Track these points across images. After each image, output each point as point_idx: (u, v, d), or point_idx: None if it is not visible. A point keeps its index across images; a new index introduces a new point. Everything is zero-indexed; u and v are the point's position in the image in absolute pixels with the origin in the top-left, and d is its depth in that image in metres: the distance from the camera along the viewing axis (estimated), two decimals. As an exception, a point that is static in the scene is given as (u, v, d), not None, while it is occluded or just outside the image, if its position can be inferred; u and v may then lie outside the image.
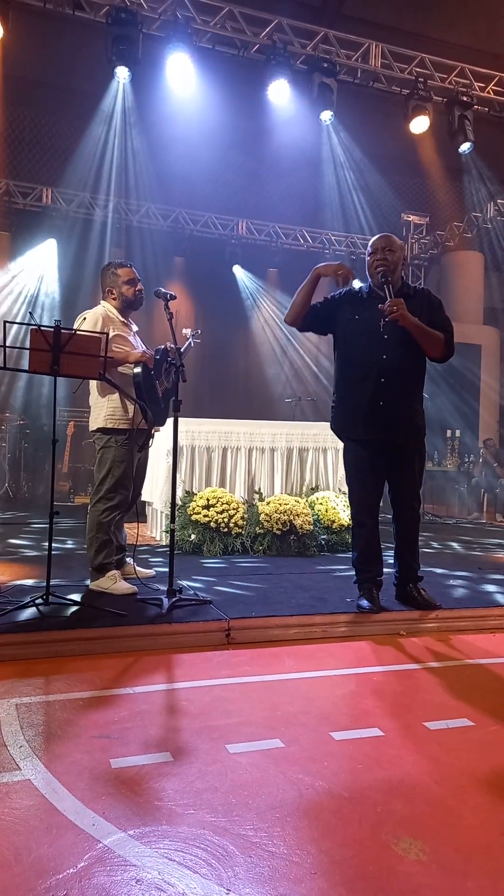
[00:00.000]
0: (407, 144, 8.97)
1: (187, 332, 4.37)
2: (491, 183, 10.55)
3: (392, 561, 3.74)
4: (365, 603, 3.48)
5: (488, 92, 8.16)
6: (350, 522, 5.54)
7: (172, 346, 3.82)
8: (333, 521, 5.55)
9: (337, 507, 5.66)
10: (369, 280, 3.62)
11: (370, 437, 3.51)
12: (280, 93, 7.21)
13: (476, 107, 8.05)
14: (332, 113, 7.54)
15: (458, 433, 10.69)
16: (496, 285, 12.73)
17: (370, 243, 3.63)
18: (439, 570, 4.76)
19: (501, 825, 1.69)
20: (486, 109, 8.26)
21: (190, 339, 4.27)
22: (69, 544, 5.56)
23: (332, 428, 3.70)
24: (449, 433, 10.64)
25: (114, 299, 3.93)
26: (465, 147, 8.01)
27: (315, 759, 2.01)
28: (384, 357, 3.46)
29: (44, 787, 1.81)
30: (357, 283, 3.78)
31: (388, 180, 10.98)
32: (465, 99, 7.88)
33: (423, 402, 3.65)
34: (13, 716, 2.26)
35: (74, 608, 3.30)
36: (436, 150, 9.52)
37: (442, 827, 1.68)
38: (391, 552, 3.72)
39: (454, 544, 6.48)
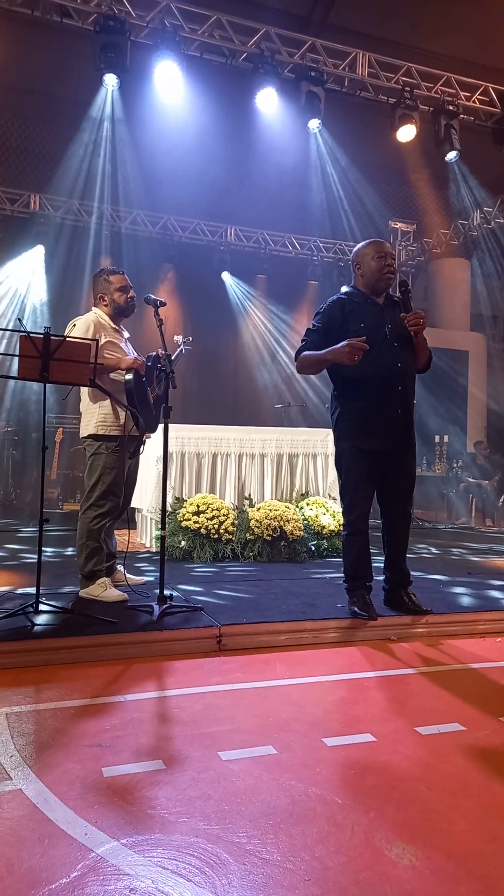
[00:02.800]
0: (394, 153, 9.03)
1: (179, 338, 4.38)
2: (477, 191, 10.65)
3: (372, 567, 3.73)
4: (360, 610, 3.48)
5: (474, 101, 8.25)
6: (340, 528, 5.58)
7: (163, 352, 3.82)
8: (324, 527, 5.56)
9: (327, 512, 5.67)
10: (366, 281, 3.55)
11: (388, 447, 3.47)
12: (268, 101, 7.25)
13: (462, 116, 8.13)
14: (319, 121, 7.59)
15: (446, 439, 10.75)
16: (483, 292, 12.83)
17: (373, 247, 3.55)
18: (428, 575, 4.77)
19: (493, 830, 1.70)
20: (472, 119, 8.34)
21: (182, 347, 4.28)
22: (59, 552, 5.53)
23: (341, 437, 3.55)
24: (437, 438, 10.70)
25: (105, 306, 3.93)
26: (451, 155, 8.08)
27: (307, 766, 2.01)
28: (399, 365, 3.47)
29: (35, 797, 1.80)
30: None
31: (375, 188, 11.06)
32: (451, 108, 7.96)
33: None
34: (3, 725, 2.25)
35: (64, 616, 3.28)
36: (422, 158, 9.61)
37: (434, 832, 1.68)
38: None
39: (443, 549, 6.51)
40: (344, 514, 3.62)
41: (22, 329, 3.17)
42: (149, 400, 3.89)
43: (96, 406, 3.80)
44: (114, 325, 3.94)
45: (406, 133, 7.83)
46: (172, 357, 3.88)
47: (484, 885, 1.48)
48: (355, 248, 3.68)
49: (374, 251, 3.53)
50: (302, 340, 3.57)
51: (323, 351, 3.39)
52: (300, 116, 7.50)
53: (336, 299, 3.58)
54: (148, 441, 5.74)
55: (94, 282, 4.00)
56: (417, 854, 1.58)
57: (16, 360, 3.22)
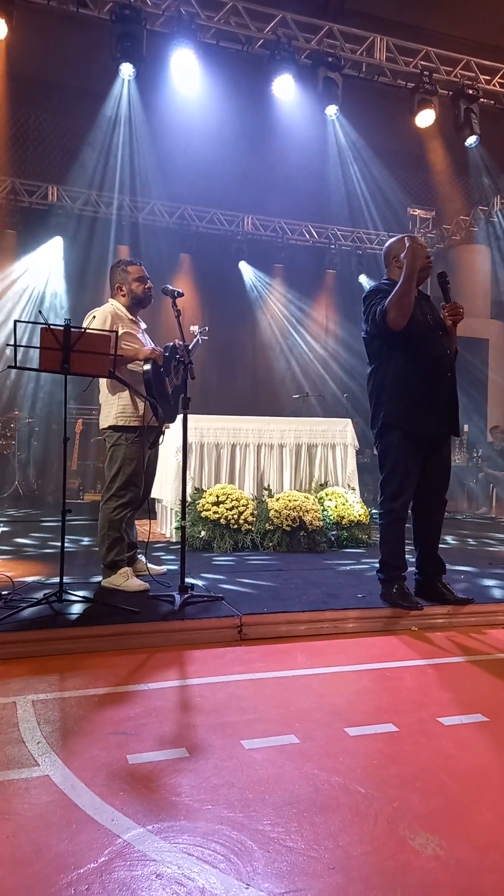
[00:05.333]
0: (412, 138, 8.93)
1: (195, 329, 4.38)
2: (497, 176, 10.49)
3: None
4: (402, 600, 3.48)
5: (494, 85, 8.12)
6: (359, 518, 5.58)
7: (181, 342, 3.82)
8: (343, 517, 5.55)
9: (346, 502, 5.66)
10: (410, 271, 3.45)
11: (441, 430, 3.54)
12: (285, 88, 7.19)
13: (482, 100, 8.00)
14: (337, 107, 7.51)
15: (466, 428, 10.66)
16: (503, 279, 12.66)
17: (414, 239, 3.59)
18: (449, 566, 4.75)
19: (517, 820, 1.70)
20: (493, 102, 8.22)
21: (198, 336, 4.28)
22: (80, 542, 5.59)
23: (390, 423, 3.51)
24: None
25: (123, 296, 3.94)
26: (471, 140, 7.96)
27: (330, 755, 2.02)
28: (447, 351, 3.56)
29: (62, 783, 1.83)
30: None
31: (393, 174, 10.93)
32: (470, 92, 7.83)
33: None
34: (30, 712, 2.28)
35: (87, 605, 3.32)
36: (442, 143, 9.48)
37: (458, 823, 1.69)
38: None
39: (464, 539, 6.47)
40: (386, 501, 3.58)
41: (43, 321, 3.19)
42: (167, 390, 3.90)
43: (115, 397, 3.82)
44: (131, 317, 3.95)
45: (425, 118, 7.73)
46: (190, 347, 3.88)
47: (509, 875, 1.48)
48: (388, 243, 3.71)
49: (416, 244, 3.57)
50: (374, 311, 3.47)
51: (402, 276, 3.40)
52: (317, 103, 7.43)
53: (380, 286, 3.61)
54: (167, 431, 5.76)
55: (112, 273, 4.01)
56: (441, 844, 1.59)
57: (28, 351, 3.24)
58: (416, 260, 3.43)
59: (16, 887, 1.40)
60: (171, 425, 4.33)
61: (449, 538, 6.45)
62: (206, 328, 4.47)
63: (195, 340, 4.23)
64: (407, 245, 3.50)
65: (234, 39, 7.18)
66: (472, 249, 12.37)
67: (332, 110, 7.59)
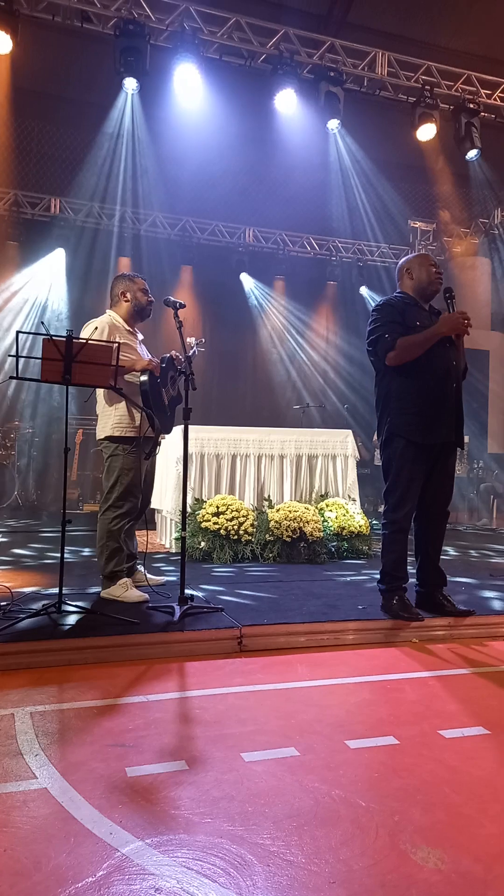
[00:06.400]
0: (414, 151, 8.99)
1: (191, 340, 4.39)
2: (498, 189, 10.55)
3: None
4: (402, 611, 3.47)
5: (495, 99, 8.19)
6: (360, 530, 5.57)
7: (178, 354, 3.84)
8: (343, 529, 5.54)
9: (347, 513, 5.65)
10: (417, 286, 3.64)
11: (447, 439, 3.54)
12: (287, 102, 7.26)
13: (483, 114, 8.07)
14: (338, 121, 7.59)
15: (466, 440, 10.66)
16: (504, 291, 12.69)
17: (425, 257, 3.72)
18: (449, 577, 4.73)
19: (520, 834, 1.68)
20: (493, 116, 8.29)
21: (194, 348, 4.29)
22: (79, 552, 5.57)
23: (396, 433, 3.53)
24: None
25: (126, 302, 3.97)
26: (472, 154, 8.03)
27: (331, 768, 2.00)
28: (454, 363, 3.57)
29: (60, 796, 1.81)
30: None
31: (395, 187, 11.00)
32: (471, 106, 7.91)
33: None
34: (28, 724, 2.27)
35: (87, 616, 3.30)
36: (443, 156, 9.54)
37: (461, 836, 1.67)
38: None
39: (464, 551, 6.45)
40: (389, 511, 3.57)
41: (44, 332, 3.20)
42: (163, 401, 3.90)
43: (112, 408, 3.83)
44: (128, 328, 3.98)
45: (426, 132, 7.80)
46: (189, 358, 3.89)
47: (511, 891, 1.46)
48: (403, 259, 3.82)
49: (426, 261, 3.69)
50: (382, 336, 3.51)
51: (427, 330, 3.46)
52: (319, 117, 7.50)
53: (390, 299, 3.68)
54: (167, 442, 5.77)
55: (116, 282, 4.03)
56: (444, 857, 1.57)
57: (27, 361, 3.25)
58: (455, 328, 3.47)
59: (13, 901, 1.39)
60: (167, 436, 4.33)
61: (450, 549, 6.43)
62: (203, 339, 4.49)
63: (192, 351, 4.24)
64: (455, 315, 3.49)
65: (237, 54, 7.26)
66: (472, 261, 12.41)
67: (333, 124, 7.66)
